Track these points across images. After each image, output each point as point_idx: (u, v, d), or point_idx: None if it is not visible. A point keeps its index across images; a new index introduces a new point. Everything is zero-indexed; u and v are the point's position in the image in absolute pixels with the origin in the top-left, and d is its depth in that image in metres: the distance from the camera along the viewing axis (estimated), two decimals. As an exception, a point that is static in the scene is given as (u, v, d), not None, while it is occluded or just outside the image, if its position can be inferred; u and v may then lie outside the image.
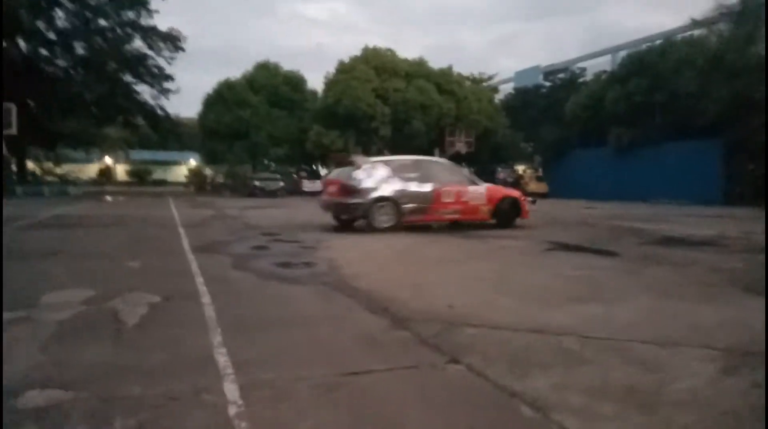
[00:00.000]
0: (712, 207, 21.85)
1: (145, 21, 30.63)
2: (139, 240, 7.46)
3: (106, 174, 60.32)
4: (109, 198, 25.77)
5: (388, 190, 8.90)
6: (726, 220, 13.23)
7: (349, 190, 8.85)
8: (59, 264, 5.20)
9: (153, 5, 30.00)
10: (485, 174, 33.09)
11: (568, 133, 33.49)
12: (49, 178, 44.45)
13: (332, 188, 9.47)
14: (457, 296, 3.84)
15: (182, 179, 57.90)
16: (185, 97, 35.70)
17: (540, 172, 35.43)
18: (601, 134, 30.87)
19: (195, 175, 48.55)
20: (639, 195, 27.34)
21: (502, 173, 31.09)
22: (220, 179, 40.08)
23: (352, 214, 9.15)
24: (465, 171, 10.13)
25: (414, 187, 9.10)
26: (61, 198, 24.48)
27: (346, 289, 4.11)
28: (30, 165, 41.86)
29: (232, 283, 4.28)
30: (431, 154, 34.99)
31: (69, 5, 29.19)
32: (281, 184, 28.60)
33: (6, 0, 25.38)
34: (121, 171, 63.86)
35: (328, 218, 10.04)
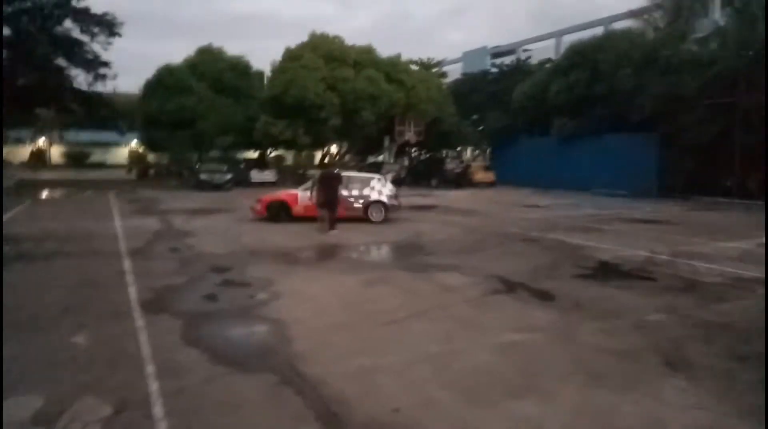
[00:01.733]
0: (647, 200, 23.10)
1: (76, 2, 28.88)
2: (81, 287, 7.28)
3: (39, 157, 57.14)
4: (44, 194, 24.59)
5: None
6: (657, 227, 14.06)
7: None
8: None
9: (85, -15, 28.29)
10: (435, 164, 33.60)
11: (514, 120, 34.25)
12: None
13: None
14: (402, 390, 4.07)
15: (122, 161, 55.60)
16: (125, 65, 34.07)
17: (487, 163, 36.18)
18: (546, 123, 31.78)
19: (137, 160, 46.76)
20: (581, 184, 28.50)
21: (450, 164, 31.54)
22: (164, 168, 38.81)
23: None
24: None
25: None
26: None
27: (294, 380, 4.26)
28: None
29: (183, 377, 4.33)
30: (381, 144, 35.15)
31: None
32: (229, 175, 28.01)
33: None
34: (56, 153, 60.59)
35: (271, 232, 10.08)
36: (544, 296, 7.01)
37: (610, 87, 26.72)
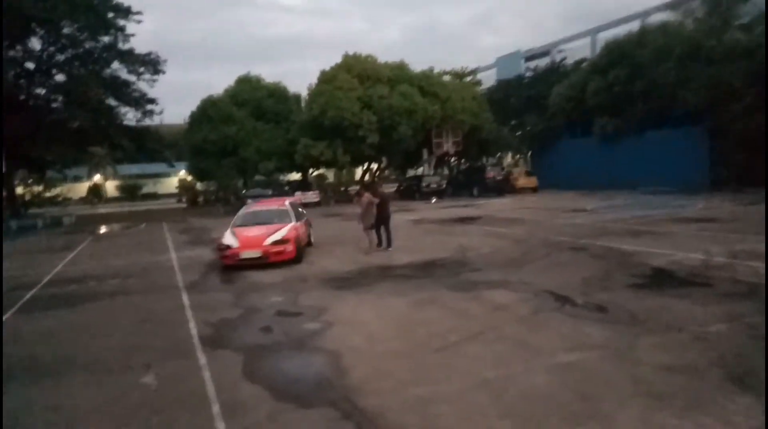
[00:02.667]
0: (699, 194, 22.28)
1: (122, 45, 30.46)
2: (144, 324, 7.67)
3: (95, 192, 60.09)
4: (103, 229, 25.84)
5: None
6: (711, 225, 13.54)
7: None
8: (73, 390, 5.41)
9: (129, 29, 29.84)
10: (476, 173, 33.45)
11: (553, 123, 33.82)
12: (40, 204, 44.33)
13: None
14: (461, 420, 4.13)
15: (173, 191, 57.84)
16: (170, 95, 35.76)
17: (529, 168, 35.73)
18: (585, 124, 31.23)
19: (186, 189, 48.53)
20: (628, 183, 27.77)
21: (491, 172, 31.32)
22: (212, 195, 40.17)
23: None
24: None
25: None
26: (55, 233, 24.55)
27: (353, 414, 4.37)
28: (19, 190, 41.74)
29: (248, 415, 4.52)
30: (420, 157, 35.30)
31: (43, 34, 28.95)
32: (273, 199, 28.69)
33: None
34: (111, 187, 63.63)
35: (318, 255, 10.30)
36: (598, 310, 6.90)
37: (651, 82, 26.06)
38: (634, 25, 39.30)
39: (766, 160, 19.95)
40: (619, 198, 23.70)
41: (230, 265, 11.50)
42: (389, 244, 12.90)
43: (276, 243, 11.51)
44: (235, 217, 13.73)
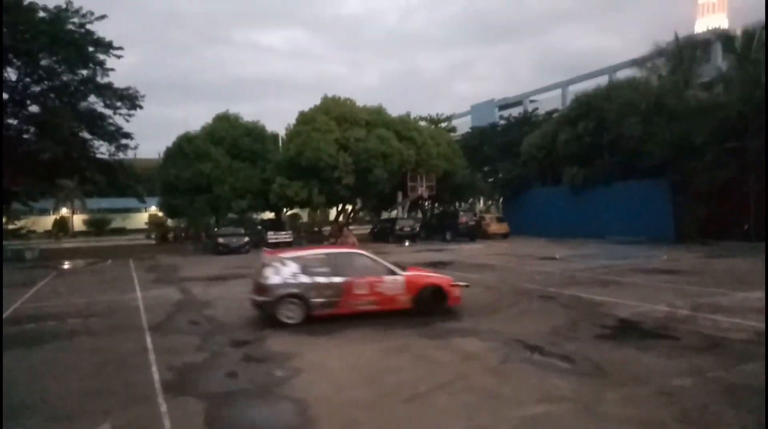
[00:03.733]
0: (664, 245, 22.91)
1: (100, 79, 30.35)
2: (105, 367, 7.40)
3: (62, 226, 58.57)
4: (66, 264, 25.09)
5: (294, 285, 9.42)
6: (675, 277, 13.90)
7: (259, 287, 9.57)
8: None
9: (109, 63, 29.82)
10: (449, 217, 33.85)
11: (524, 171, 34.68)
12: (2, 237, 42.86)
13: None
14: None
15: (142, 226, 56.77)
16: (146, 130, 35.47)
17: (500, 213, 36.37)
18: (556, 173, 32.12)
19: (156, 225, 47.73)
20: (596, 232, 28.42)
21: (464, 217, 31.74)
22: (182, 232, 39.58)
23: (266, 311, 9.62)
24: (384, 263, 10.37)
25: (323, 280, 9.56)
26: (17, 268, 23.71)
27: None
28: (-19, 222, 40.42)
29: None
30: (394, 199, 35.62)
31: (20, 65, 28.72)
32: (246, 238, 28.43)
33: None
34: (78, 221, 62.14)
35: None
36: (566, 360, 6.96)
37: (618, 135, 27.09)
38: (603, 80, 41.22)
39: (766, 207, 20.74)
40: (588, 247, 24.19)
41: None
42: None
43: None
44: None
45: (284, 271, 9.57)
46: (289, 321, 9.31)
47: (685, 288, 12.34)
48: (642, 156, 25.54)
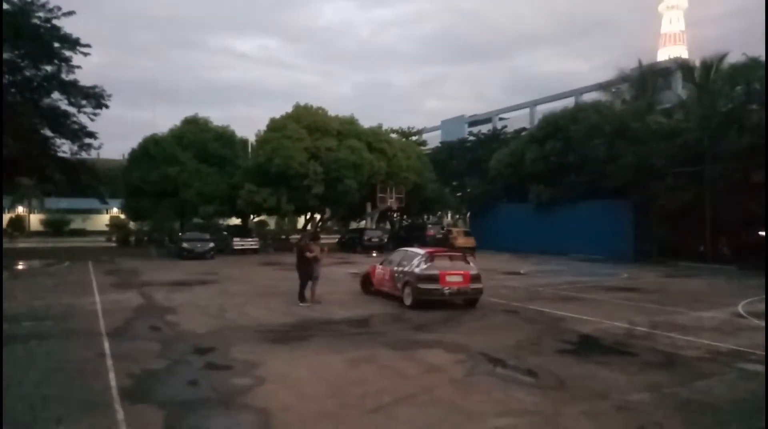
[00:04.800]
0: (625, 264, 23.57)
1: (65, 76, 29.52)
2: (60, 373, 7.14)
3: (17, 225, 56.38)
4: (21, 265, 24.14)
5: None
6: (634, 295, 14.30)
7: None
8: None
9: (75, 60, 29.05)
10: (417, 229, 34.05)
11: (492, 187, 35.24)
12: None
13: None
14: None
15: (103, 228, 55.05)
16: (112, 130, 34.58)
17: (467, 227, 36.77)
18: (522, 190, 32.73)
19: (118, 227, 46.38)
20: (560, 249, 29.02)
21: (432, 230, 31.98)
22: (145, 235, 38.61)
23: None
24: None
25: None
26: (-33, 268, 22.67)
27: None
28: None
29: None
30: (364, 210, 35.63)
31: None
32: (211, 244, 27.91)
33: None
34: (35, 220, 59.90)
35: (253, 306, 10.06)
36: (529, 374, 7.07)
37: (583, 156, 27.85)
38: (570, 101, 42.31)
39: (766, 225, 21.48)
40: (551, 263, 24.68)
41: None
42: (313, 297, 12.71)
43: None
44: None
45: None
46: None
47: (643, 306, 12.72)
48: (606, 177, 26.31)
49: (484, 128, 49.08)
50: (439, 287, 11.44)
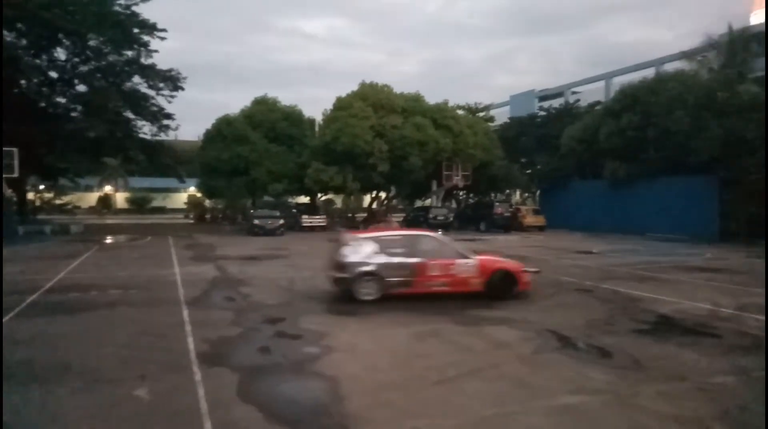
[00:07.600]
0: (707, 244, 22.12)
1: (144, 60, 31.09)
2: (143, 337, 7.62)
3: (105, 203, 60.57)
4: (108, 239, 25.94)
5: (372, 264, 9.76)
6: (719, 276, 13.39)
7: (337, 265, 9.94)
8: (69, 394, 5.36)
9: (153, 45, 30.48)
10: (484, 208, 33.49)
11: (563, 164, 33.91)
12: (50, 211, 44.67)
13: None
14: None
15: (181, 206, 58.18)
16: (187, 112, 36.52)
17: (536, 206, 35.71)
18: (596, 166, 31.29)
19: (195, 205, 48.81)
20: (636, 228, 27.64)
21: (500, 208, 31.33)
22: (219, 212, 40.37)
23: (342, 287, 10.03)
24: (456, 245, 10.66)
25: (398, 260, 9.88)
26: (62, 240, 24.66)
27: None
28: (30, 195, 42.18)
29: (239, 435, 4.45)
30: (429, 188, 35.41)
31: (69, 45, 29.62)
32: (281, 221, 28.79)
33: (6, 39, 25.83)
34: (120, 199, 64.14)
35: (323, 280, 10.31)
36: (601, 354, 6.80)
37: (664, 130, 26.16)
38: (649, 72, 39.77)
39: (766, 199, 19.94)
40: (627, 242, 23.57)
41: None
42: None
43: None
44: None
45: (363, 250, 9.91)
46: (367, 297, 9.67)
47: (729, 287, 11.89)
48: (689, 152, 24.65)
49: (556, 103, 47.12)
50: None
